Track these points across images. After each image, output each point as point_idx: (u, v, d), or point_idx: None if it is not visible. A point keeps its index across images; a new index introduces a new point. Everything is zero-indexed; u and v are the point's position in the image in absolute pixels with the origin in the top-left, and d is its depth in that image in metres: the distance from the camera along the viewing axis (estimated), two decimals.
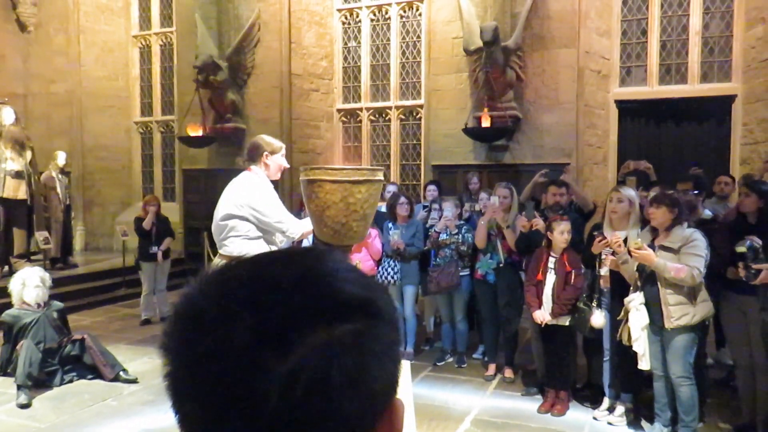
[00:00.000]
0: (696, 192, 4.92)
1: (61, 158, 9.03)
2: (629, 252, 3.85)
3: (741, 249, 3.82)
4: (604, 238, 4.20)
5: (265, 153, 3.51)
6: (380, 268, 5.67)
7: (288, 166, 3.71)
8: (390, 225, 5.70)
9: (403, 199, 5.78)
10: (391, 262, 5.69)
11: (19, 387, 4.68)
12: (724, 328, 4.54)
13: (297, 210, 6.58)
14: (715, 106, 7.94)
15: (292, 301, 0.47)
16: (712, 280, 3.93)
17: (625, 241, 4.21)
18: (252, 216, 3.40)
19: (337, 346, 0.46)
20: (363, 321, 0.48)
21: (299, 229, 3.50)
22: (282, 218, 3.46)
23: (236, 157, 8.69)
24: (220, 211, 3.49)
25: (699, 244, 3.79)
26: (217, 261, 3.51)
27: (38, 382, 4.87)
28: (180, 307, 0.50)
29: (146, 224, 7.13)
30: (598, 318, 4.19)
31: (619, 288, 4.18)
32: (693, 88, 8.02)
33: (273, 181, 3.60)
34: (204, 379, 0.46)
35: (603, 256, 4.25)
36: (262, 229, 3.45)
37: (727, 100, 7.85)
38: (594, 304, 4.24)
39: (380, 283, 0.55)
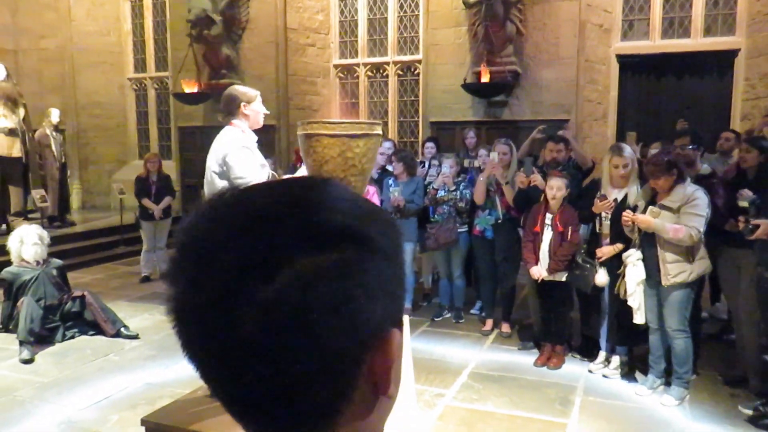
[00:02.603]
0: (693, 147, 4.88)
1: (54, 115, 8.91)
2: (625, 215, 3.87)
3: (744, 203, 3.82)
4: (605, 197, 4.19)
5: (242, 103, 3.41)
6: None
7: (267, 112, 3.58)
8: (390, 182, 5.67)
9: (393, 158, 5.75)
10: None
11: (21, 343, 4.74)
12: (721, 282, 4.58)
13: (293, 164, 6.54)
14: (717, 60, 7.82)
15: (278, 229, 0.47)
16: (709, 235, 3.94)
17: (625, 198, 4.21)
18: (229, 171, 3.30)
19: (319, 274, 0.45)
20: (350, 251, 0.48)
21: None
22: (244, 174, 3.26)
23: (217, 114, 8.58)
24: (210, 172, 3.41)
25: (700, 203, 3.78)
26: None
27: (40, 338, 4.92)
28: (180, 236, 0.51)
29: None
30: (602, 276, 4.21)
31: (616, 242, 4.19)
32: (696, 42, 7.88)
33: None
34: (192, 307, 0.47)
35: (603, 215, 4.24)
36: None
37: (730, 55, 7.72)
38: (600, 257, 4.24)
39: (386, 218, 0.54)
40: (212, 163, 3.36)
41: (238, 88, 3.53)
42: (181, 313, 0.49)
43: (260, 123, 3.50)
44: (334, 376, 0.47)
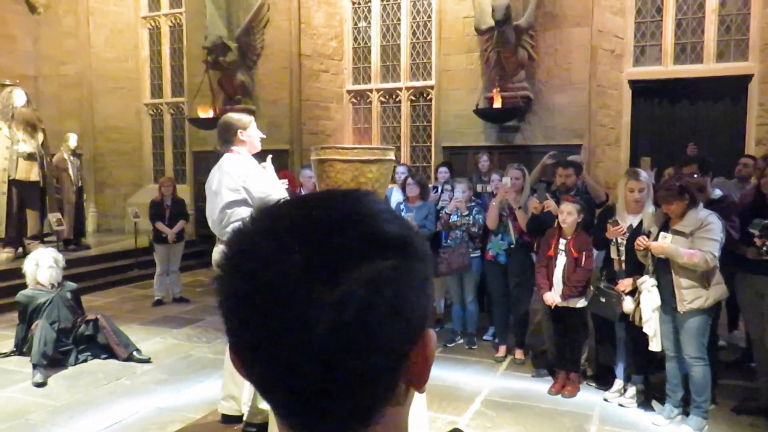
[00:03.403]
0: (702, 174, 4.83)
1: (72, 140, 9.07)
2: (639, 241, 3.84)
3: (753, 230, 3.78)
4: (617, 223, 4.16)
5: (239, 130, 3.46)
6: None
7: (263, 135, 3.63)
8: (402, 206, 5.68)
9: (410, 180, 5.75)
10: None
11: (34, 366, 4.75)
12: (742, 309, 4.50)
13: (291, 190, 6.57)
14: (730, 85, 7.81)
15: (340, 238, 0.51)
16: (728, 261, 3.89)
17: (640, 224, 4.17)
18: (247, 194, 3.35)
19: (380, 279, 0.50)
20: (401, 257, 0.52)
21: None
22: (268, 191, 3.34)
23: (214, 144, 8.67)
24: (216, 201, 3.42)
25: (714, 228, 3.74)
26: (218, 249, 3.47)
27: (53, 362, 4.93)
28: (234, 241, 0.55)
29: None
30: (628, 303, 4.13)
31: (633, 270, 4.15)
32: (708, 67, 7.88)
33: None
34: (259, 307, 0.50)
35: (619, 240, 4.21)
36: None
37: (743, 80, 7.72)
38: (623, 290, 4.16)
39: (413, 224, 0.59)
40: (224, 191, 3.36)
41: (233, 116, 3.60)
42: (242, 310, 0.52)
43: (258, 147, 3.55)
44: (387, 371, 0.52)
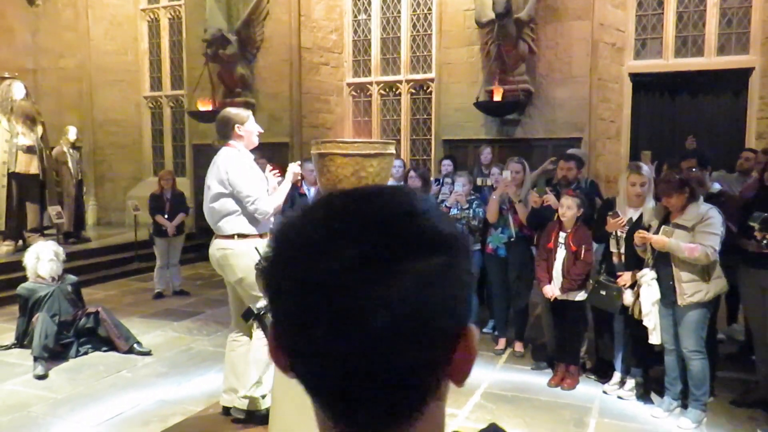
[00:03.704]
0: (700, 168, 4.83)
1: (72, 133, 9.05)
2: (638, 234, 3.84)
3: (753, 223, 3.79)
4: (618, 215, 4.16)
5: (236, 125, 3.47)
6: None
7: (261, 130, 3.64)
8: None
9: (412, 173, 5.75)
10: None
11: (35, 358, 4.76)
12: (743, 303, 4.51)
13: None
14: (731, 79, 7.80)
15: (396, 233, 0.52)
16: (730, 255, 3.89)
17: (641, 217, 4.18)
18: (234, 189, 3.38)
19: (434, 275, 0.51)
20: (451, 254, 0.53)
21: (268, 206, 3.42)
22: (252, 193, 3.37)
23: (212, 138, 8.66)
24: (207, 193, 3.48)
25: (714, 222, 3.74)
26: (216, 243, 3.49)
27: (54, 354, 4.94)
28: (285, 236, 0.55)
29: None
30: (628, 297, 4.14)
31: (633, 264, 4.16)
32: (709, 60, 7.87)
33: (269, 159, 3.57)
34: (312, 300, 0.51)
35: (619, 233, 4.21)
36: (241, 204, 3.41)
37: (745, 73, 7.70)
38: (624, 284, 4.16)
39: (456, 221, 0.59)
40: (213, 184, 3.42)
41: (231, 111, 3.62)
42: (293, 303, 0.52)
43: (255, 142, 3.57)
44: (435, 366, 0.53)
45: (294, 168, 3.66)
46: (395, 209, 0.54)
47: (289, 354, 0.55)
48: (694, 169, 4.70)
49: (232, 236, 3.41)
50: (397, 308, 0.49)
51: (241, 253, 3.38)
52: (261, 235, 3.48)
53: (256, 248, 3.33)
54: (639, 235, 3.90)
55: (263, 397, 3.49)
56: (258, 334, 3.48)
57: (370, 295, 0.49)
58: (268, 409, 3.47)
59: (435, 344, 0.52)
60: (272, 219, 3.57)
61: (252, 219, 3.41)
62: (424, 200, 0.56)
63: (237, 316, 3.58)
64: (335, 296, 0.50)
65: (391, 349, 0.50)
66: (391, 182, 6.41)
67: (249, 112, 3.59)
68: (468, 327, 0.55)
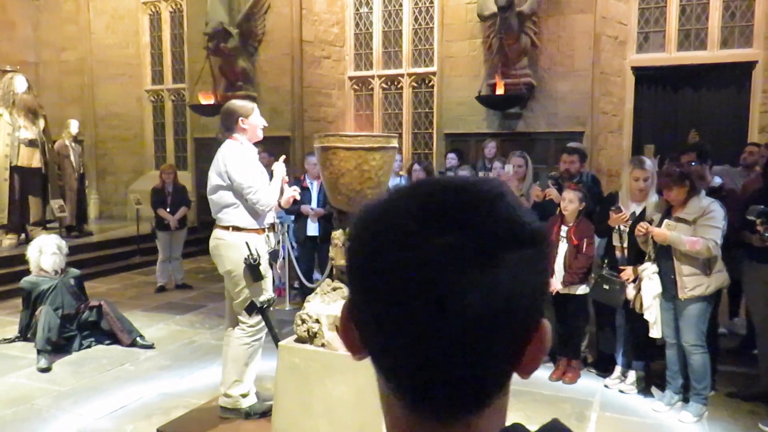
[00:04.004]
0: (700, 161, 4.82)
1: (73, 126, 9.05)
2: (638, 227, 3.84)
3: (751, 217, 3.79)
4: (620, 210, 4.16)
5: (240, 118, 3.44)
6: None
7: (266, 124, 3.61)
8: None
9: (416, 167, 5.76)
10: None
11: (38, 352, 4.78)
12: (746, 297, 4.51)
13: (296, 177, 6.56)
14: (734, 72, 7.78)
15: (491, 223, 0.52)
16: (733, 249, 3.89)
17: (643, 211, 4.17)
18: (232, 182, 3.36)
19: (524, 268, 0.52)
20: (536, 246, 0.54)
21: (270, 198, 3.40)
22: (252, 185, 3.34)
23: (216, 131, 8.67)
24: (212, 185, 3.46)
25: (716, 215, 3.74)
26: (214, 233, 3.48)
27: (57, 347, 4.96)
28: (373, 219, 0.55)
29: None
30: (631, 291, 4.14)
31: (635, 258, 4.16)
32: (712, 54, 7.84)
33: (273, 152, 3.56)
34: (405, 286, 0.51)
35: (622, 227, 4.21)
36: (240, 196, 3.38)
37: (748, 67, 7.68)
38: (627, 279, 4.16)
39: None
40: (213, 176, 3.41)
41: (236, 103, 3.59)
42: (384, 288, 0.52)
43: (259, 136, 3.54)
44: (514, 355, 0.54)
45: (280, 167, 3.60)
46: (489, 200, 0.54)
47: (369, 335, 0.55)
48: (693, 163, 4.70)
49: (227, 228, 3.40)
50: (489, 297, 0.50)
51: (232, 245, 3.36)
52: (259, 231, 3.44)
53: (246, 243, 3.31)
54: (641, 226, 3.90)
55: (243, 396, 3.48)
56: (236, 333, 3.47)
57: (464, 283, 0.50)
58: (250, 408, 3.48)
59: (517, 335, 0.53)
60: (270, 215, 3.56)
61: (252, 212, 3.39)
62: (512, 193, 0.57)
63: (230, 310, 3.57)
64: (429, 282, 0.50)
65: (478, 337, 0.51)
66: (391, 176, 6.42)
67: (254, 106, 3.55)
68: (542, 320, 0.56)
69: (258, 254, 3.32)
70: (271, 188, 3.45)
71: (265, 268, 3.41)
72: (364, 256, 0.54)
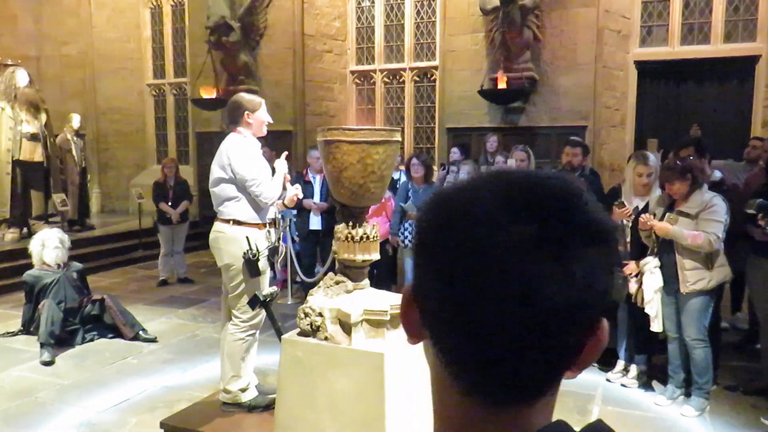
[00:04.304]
0: (698, 156, 4.80)
1: (75, 121, 9.05)
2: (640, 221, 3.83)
3: (750, 210, 3.78)
4: (623, 205, 4.15)
5: (246, 112, 3.42)
6: (402, 230, 5.65)
7: (271, 121, 3.60)
8: (409, 186, 5.67)
9: (415, 161, 5.74)
10: (408, 227, 5.69)
11: (42, 345, 4.80)
12: (750, 292, 4.51)
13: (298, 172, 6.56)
14: (738, 66, 7.74)
15: (572, 217, 0.53)
16: (737, 244, 3.88)
17: (646, 206, 4.17)
18: (235, 175, 3.34)
19: (598, 263, 0.53)
20: (610, 245, 0.55)
21: (273, 191, 3.38)
22: (256, 177, 3.32)
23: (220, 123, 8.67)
24: (214, 178, 3.45)
25: (718, 209, 3.73)
26: (214, 226, 3.47)
27: (60, 341, 4.98)
28: (451, 205, 0.55)
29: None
30: (633, 285, 4.14)
31: (638, 252, 4.15)
32: (716, 48, 7.81)
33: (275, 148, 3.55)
34: (483, 271, 0.51)
35: (625, 222, 4.21)
36: (242, 189, 3.36)
37: (751, 61, 7.64)
38: (630, 273, 4.16)
39: None
40: (215, 168, 3.40)
41: (244, 96, 3.55)
42: (461, 273, 0.52)
43: (263, 132, 3.52)
44: (576, 349, 0.55)
45: (282, 164, 3.57)
46: (570, 195, 0.55)
47: (436, 317, 0.55)
48: (691, 157, 4.68)
49: (228, 221, 3.38)
50: (565, 290, 0.51)
51: (232, 239, 3.34)
52: (260, 225, 3.43)
53: (247, 237, 3.30)
54: (644, 217, 3.90)
55: (242, 390, 3.48)
56: (230, 328, 3.46)
57: (542, 273, 0.50)
58: (251, 402, 3.49)
59: (583, 330, 0.54)
60: (272, 210, 3.54)
61: (254, 206, 3.37)
62: (588, 191, 0.58)
63: (226, 304, 3.56)
64: (509, 268, 0.50)
65: (550, 327, 0.51)
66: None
67: (262, 101, 3.52)
68: (603, 319, 0.57)
69: (258, 249, 3.31)
70: (273, 183, 3.45)
71: (264, 264, 3.40)
72: (442, 237, 0.54)
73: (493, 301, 0.51)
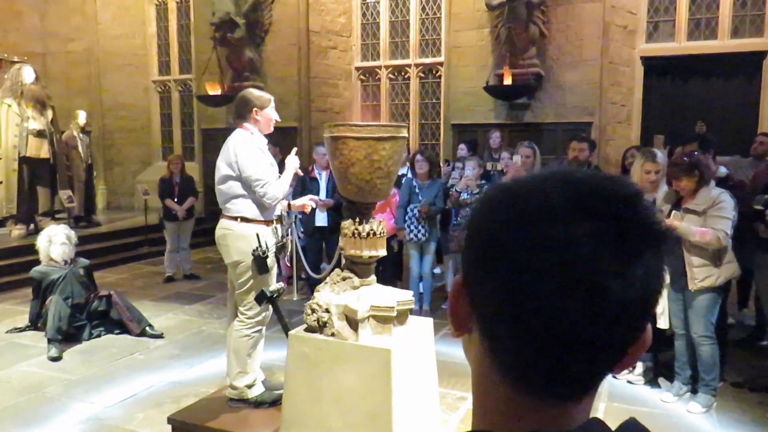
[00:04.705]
0: (702, 152, 4.78)
1: (81, 117, 9.08)
2: None
3: (758, 206, 3.76)
4: None
5: (255, 109, 3.39)
6: (407, 226, 5.65)
7: (279, 119, 3.56)
8: (414, 183, 5.66)
9: (419, 157, 5.73)
10: (414, 221, 5.68)
11: (49, 340, 4.82)
12: (759, 289, 4.49)
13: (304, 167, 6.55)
14: (745, 62, 7.70)
15: (635, 218, 0.54)
16: (745, 241, 3.86)
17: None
18: (241, 174, 3.32)
19: (656, 264, 0.54)
20: (665, 249, 0.56)
21: (278, 191, 3.35)
22: (262, 177, 3.29)
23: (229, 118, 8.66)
24: (217, 174, 3.44)
25: (726, 206, 3.72)
26: (220, 223, 3.45)
27: (68, 336, 5.00)
28: (526, 201, 0.55)
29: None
30: None
31: None
32: (723, 43, 7.76)
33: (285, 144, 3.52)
34: (546, 265, 0.52)
35: None
36: (248, 187, 3.34)
37: (758, 56, 7.60)
38: None
39: None
40: (222, 165, 3.38)
41: (253, 92, 3.52)
42: (524, 260, 0.53)
43: (270, 129, 3.49)
44: (625, 350, 0.56)
45: (293, 161, 3.55)
46: (631, 196, 0.56)
47: (489, 309, 0.56)
48: (695, 153, 4.66)
49: (235, 218, 3.37)
50: (626, 288, 0.52)
51: (240, 236, 3.33)
52: (267, 222, 3.42)
53: (257, 235, 3.29)
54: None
55: (249, 386, 3.49)
56: (236, 325, 3.47)
57: (611, 271, 0.51)
58: (258, 398, 3.50)
59: (635, 329, 0.55)
60: (278, 206, 3.52)
61: (259, 204, 3.36)
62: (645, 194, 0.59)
63: (233, 301, 3.56)
64: (574, 263, 0.51)
65: (609, 324, 0.52)
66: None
67: (271, 98, 3.49)
68: (648, 321, 0.58)
69: (267, 247, 3.31)
70: (280, 182, 3.42)
71: (272, 260, 3.40)
72: (514, 233, 0.54)
73: (560, 296, 0.51)
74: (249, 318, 3.43)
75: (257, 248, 3.27)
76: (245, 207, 3.35)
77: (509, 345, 0.55)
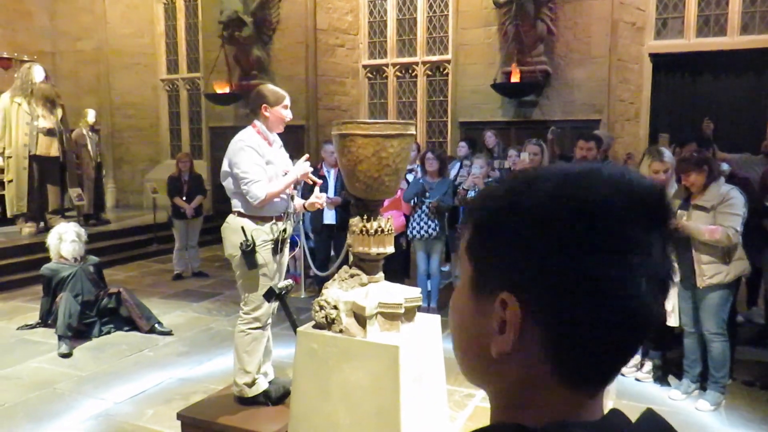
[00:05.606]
0: (702, 150, 4.75)
1: (91, 116, 9.13)
2: None
3: None
4: None
5: (264, 105, 3.34)
6: (416, 223, 5.65)
7: (291, 117, 3.48)
8: (422, 182, 5.67)
9: (429, 155, 5.72)
10: (425, 218, 5.68)
11: (59, 337, 4.86)
12: (767, 286, 4.46)
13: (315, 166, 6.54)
14: (754, 59, 7.64)
15: (651, 206, 0.57)
16: (756, 238, 3.84)
17: None
18: (232, 169, 3.29)
19: (671, 262, 0.58)
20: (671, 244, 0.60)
21: (261, 191, 3.24)
22: (248, 174, 3.22)
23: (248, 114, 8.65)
24: (223, 171, 3.43)
25: (736, 202, 3.69)
26: (227, 218, 3.44)
27: (78, 333, 5.05)
28: (584, 199, 0.56)
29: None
30: None
31: None
32: (732, 40, 7.71)
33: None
34: (624, 263, 0.55)
35: None
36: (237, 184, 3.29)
37: None
38: None
39: None
40: (225, 163, 3.39)
41: (268, 88, 3.48)
42: (603, 265, 0.55)
43: (280, 128, 3.44)
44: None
45: (300, 168, 3.45)
46: (651, 187, 0.59)
47: (552, 313, 0.56)
48: (694, 153, 4.64)
49: (234, 213, 3.37)
50: (660, 285, 0.57)
51: (233, 229, 3.32)
52: (265, 218, 3.35)
53: (242, 228, 3.25)
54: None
55: (248, 385, 3.49)
56: (237, 321, 3.46)
57: (666, 267, 0.57)
58: (257, 396, 3.50)
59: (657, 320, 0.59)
60: (283, 204, 3.47)
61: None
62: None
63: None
64: (644, 261, 0.55)
65: (652, 320, 0.57)
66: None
67: (285, 96, 3.42)
68: None
69: (253, 241, 3.28)
70: (273, 183, 3.32)
71: (267, 257, 3.37)
72: (575, 232, 0.55)
73: (626, 291, 0.54)
74: (245, 313, 3.42)
75: (243, 242, 3.25)
76: (242, 202, 3.35)
77: (574, 343, 0.56)
